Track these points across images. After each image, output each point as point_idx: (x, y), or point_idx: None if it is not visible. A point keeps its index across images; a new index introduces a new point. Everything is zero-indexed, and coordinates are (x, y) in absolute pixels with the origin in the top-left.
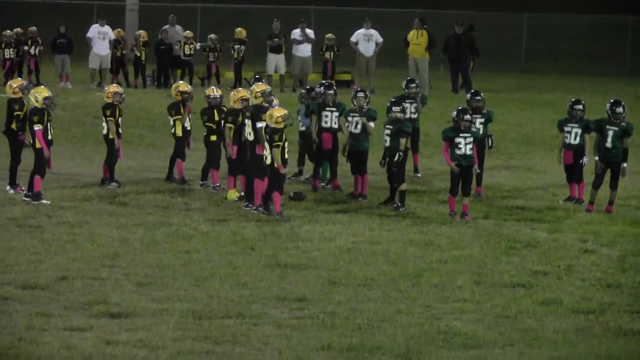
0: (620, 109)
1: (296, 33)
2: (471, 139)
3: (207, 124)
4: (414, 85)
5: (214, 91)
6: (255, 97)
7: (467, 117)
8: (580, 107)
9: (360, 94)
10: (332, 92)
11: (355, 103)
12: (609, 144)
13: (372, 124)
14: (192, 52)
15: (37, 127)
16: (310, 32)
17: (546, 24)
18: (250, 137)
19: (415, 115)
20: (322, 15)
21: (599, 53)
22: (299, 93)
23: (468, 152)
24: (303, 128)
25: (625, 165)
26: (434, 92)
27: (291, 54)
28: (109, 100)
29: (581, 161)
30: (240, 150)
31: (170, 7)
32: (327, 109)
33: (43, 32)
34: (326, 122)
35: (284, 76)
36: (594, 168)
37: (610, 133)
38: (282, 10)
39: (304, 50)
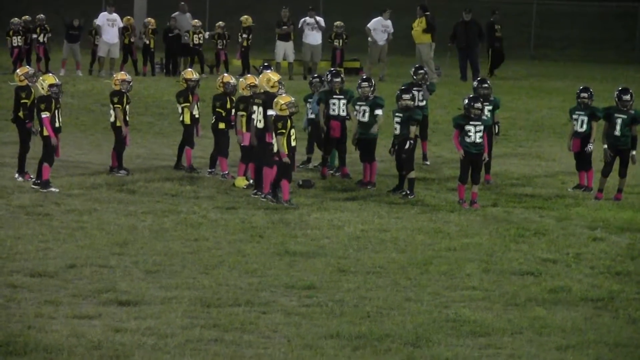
0: (627, 96)
1: (306, 20)
2: (481, 127)
3: (217, 109)
4: (422, 72)
5: (232, 78)
6: (272, 87)
7: (478, 105)
8: (586, 94)
9: (364, 84)
10: (339, 79)
11: (360, 92)
12: (617, 132)
13: (380, 112)
14: (200, 41)
15: (45, 115)
16: (320, 20)
17: (555, 11)
18: (260, 125)
19: (423, 103)
20: (331, 2)
21: (608, 40)
22: (309, 80)
23: (478, 140)
24: (312, 116)
25: (634, 152)
26: (442, 79)
27: (301, 42)
28: (117, 88)
29: (586, 148)
30: (250, 138)
31: None
32: (335, 96)
33: (52, 19)
34: (334, 110)
35: (292, 64)
36: (602, 156)
37: (619, 121)
38: None
39: (314, 38)
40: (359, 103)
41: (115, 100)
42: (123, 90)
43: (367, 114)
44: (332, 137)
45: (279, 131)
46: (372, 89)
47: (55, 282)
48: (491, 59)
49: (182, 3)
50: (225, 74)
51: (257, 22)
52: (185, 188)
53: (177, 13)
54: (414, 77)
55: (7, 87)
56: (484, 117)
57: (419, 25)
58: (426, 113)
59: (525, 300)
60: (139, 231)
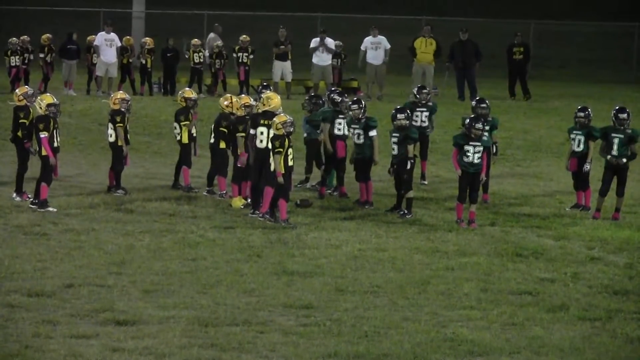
0: (624, 115)
1: (315, 41)
2: (480, 148)
3: (221, 129)
4: (425, 91)
5: (250, 99)
6: (263, 105)
7: (479, 125)
8: (583, 114)
9: (354, 106)
10: (347, 100)
11: (351, 115)
12: (614, 151)
13: (374, 133)
14: (201, 60)
15: (43, 135)
16: (330, 42)
17: (553, 31)
18: (262, 145)
19: (426, 124)
20: (328, 22)
21: (605, 60)
22: (303, 100)
23: (476, 161)
24: (305, 135)
25: (625, 160)
26: (440, 99)
27: (298, 60)
28: (117, 107)
29: (584, 168)
30: (247, 157)
31: (177, 15)
32: (340, 116)
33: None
34: (339, 130)
35: (290, 83)
36: (602, 175)
37: (616, 140)
38: (288, 17)
39: (323, 59)
40: (353, 126)
41: (118, 119)
42: (123, 110)
43: (361, 137)
44: (338, 157)
45: (276, 150)
46: (362, 110)
47: (53, 301)
48: (511, 81)
49: (217, 24)
50: (244, 95)
51: (254, 41)
52: (183, 207)
53: (212, 34)
54: (417, 96)
55: (6, 106)
56: (485, 139)
57: (427, 47)
58: (427, 133)
59: (523, 319)
60: (136, 251)
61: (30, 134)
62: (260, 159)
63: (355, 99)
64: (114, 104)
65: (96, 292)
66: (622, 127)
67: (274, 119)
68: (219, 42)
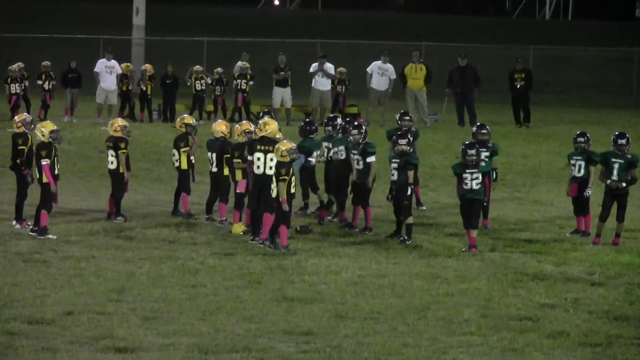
0: (623, 141)
1: (314, 66)
2: (478, 174)
3: (227, 156)
4: (407, 118)
5: (251, 126)
6: (260, 130)
7: (473, 151)
8: (583, 139)
9: (354, 131)
10: (356, 131)
11: (351, 140)
12: (614, 177)
13: (372, 159)
14: (203, 87)
15: (45, 162)
16: (329, 67)
17: (552, 55)
18: (260, 171)
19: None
20: (328, 48)
21: (605, 85)
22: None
23: (475, 187)
24: (302, 160)
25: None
26: (440, 125)
27: (298, 87)
28: (118, 134)
29: (584, 193)
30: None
31: (176, 41)
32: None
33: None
34: (341, 155)
35: (290, 109)
36: (601, 200)
37: (616, 166)
38: (288, 44)
39: (323, 84)
40: (353, 152)
41: (122, 146)
42: (124, 136)
43: (361, 162)
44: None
45: (281, 177)
46: (362, 136)
47: (53, 329)
48: (515, 109)
49: (245, 53)
50: (244, 122)
51: (254, 68)
52: (183, 234)
53: (240, 62)
54: (399, 122)
55: (5, 134)
56: (482, 164)
57: (418, 72)
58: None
59: (523, 345)
60: (136, 278)
61: (29, 161)
62: (259, 186)
63: (356, 124)
64: (115, 131)
65: (96, 319)
66: (621, 153)
67: (279, 145)
68: (219, 69)
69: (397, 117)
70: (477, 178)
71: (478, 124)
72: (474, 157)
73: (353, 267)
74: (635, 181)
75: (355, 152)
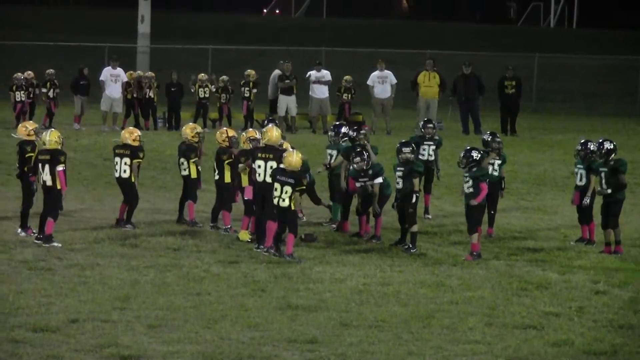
0: (610, 146)
1: (312, 74)
2: (469, 180)
3: (226, 163)
4: (431, 125)
5: (257, 133)
6: (263, 139)
7: (460, 158)
8: (580, 147)
9: (357, 159)
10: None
11: (356, 168)
12: (604, 184)
13: (380, 180)
14: (206, 94)
15: (61, 168)
16: (326, 74)
17: (557, 64)
18: (260, 178)
19: (432, 157)
20: (333, 56)
21: (609, 93)
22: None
23: (466, 190)
24: None
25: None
26: (444, 133)
27: (303, 95)
28: (137, 144)
29: (583, 202)
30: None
31: (181, 49)
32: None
33: (56, 74)
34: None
35: (295, 117)
36: (600, 208)
37: (603, 174)
38: (293, 52)
39: (321, 91)
40: (360, 180)
41: (141, 155)
42: (141, 145)
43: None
44: (350, 192)
45: (298, 188)
46: (365, 162)
47: (58, 337)
48: (503, 117)
49: (281, 62)
50: (250, 129)
51: (259, 75)
52: (188, 242)
53: (276, 71)
54: (423, 130)
55: (9, 142)
56: (494, 173)
57: (430, 80)
58: (433, 167)
59: (527, 353)
60: (141, 285)
61: (36, 169)
62: (262, 193)
63: (358, 150)
64: (134, 140)
65: (101, 327)
66: (604, 160)
67: (289, 157)
68: (225, 77)
69: (421, 124)
70: (467, 182)
71: (489, 132)
72: (461, 163)
73: (357, 275)
74: (624, 186)
75: (365, 179)
